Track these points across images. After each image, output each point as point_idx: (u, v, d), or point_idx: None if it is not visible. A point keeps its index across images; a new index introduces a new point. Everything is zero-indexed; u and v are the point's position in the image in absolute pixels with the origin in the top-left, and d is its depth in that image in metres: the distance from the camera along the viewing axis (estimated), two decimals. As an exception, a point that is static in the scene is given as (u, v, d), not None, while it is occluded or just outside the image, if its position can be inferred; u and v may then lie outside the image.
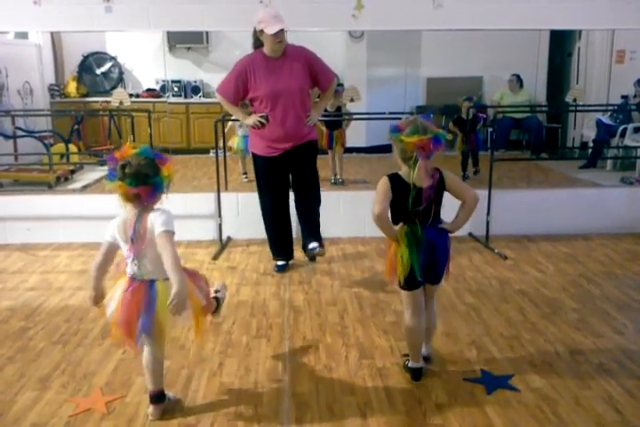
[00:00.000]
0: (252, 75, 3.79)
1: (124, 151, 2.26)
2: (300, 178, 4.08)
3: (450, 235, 2.62)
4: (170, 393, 2.55)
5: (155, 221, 2.25)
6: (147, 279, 2.31)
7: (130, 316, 2.28)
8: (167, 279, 2.26)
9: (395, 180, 2.53)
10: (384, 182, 2.54)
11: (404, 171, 2.53)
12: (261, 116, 3.82)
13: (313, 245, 4.00)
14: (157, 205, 2.33)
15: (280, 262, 4.21)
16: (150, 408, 2.46)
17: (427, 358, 2.84)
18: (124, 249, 2.33)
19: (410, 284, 2.61)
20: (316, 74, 3.88)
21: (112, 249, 2.36)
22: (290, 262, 4.27)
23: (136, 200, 2.26)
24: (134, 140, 4.79)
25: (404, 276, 2.57)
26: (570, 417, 2.44)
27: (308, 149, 4.01)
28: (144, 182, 2.22)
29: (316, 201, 4.14)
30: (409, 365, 2.77)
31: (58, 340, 3.18)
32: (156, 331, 2.33)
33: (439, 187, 2.52)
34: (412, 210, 2.49)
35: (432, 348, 2.92)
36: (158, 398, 2.46)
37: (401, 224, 2.57)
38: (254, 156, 4.06)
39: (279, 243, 4.21)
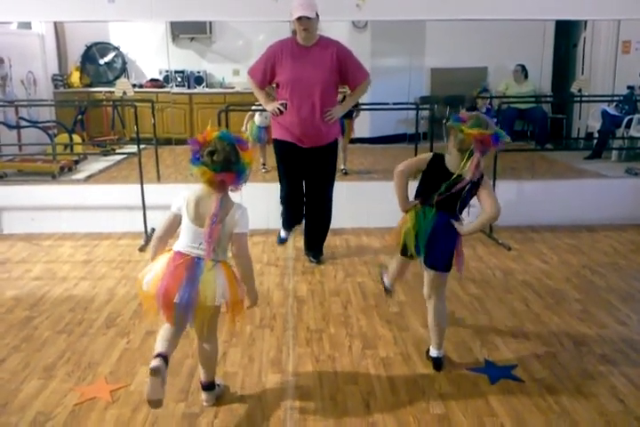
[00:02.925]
0: (280, 59, 3.80)
1: (207, 135, 2.24)
2: (314, 184, 4.10)
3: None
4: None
5: (238, 219, 2.31)
6: (194, 256, 2.31)
7: (171, 288, 2.27)
8: (217, 261, 2.31)
9: (436, 159, 2.59)
10: (426, 155, 2.63)
11: (451, 157, 2.55)
12: (281, 104, 3.84)
13: (311, 259, 4.25)
14: (233, 197, 2.35)
15: (283, 235, 4.55)
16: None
17: (435, 360, 2.76)
18: (188, 226, 2.32)
19: (404, 252, 2.72)
20: (346, 70, 3.84)
21: (176, 221, 2.36)
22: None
23: (220, 186, 2.27)
24: (138, 131, 4.77)
25: (400, 245, 2.70)
26: (573, 407, 2.44)
27: (327, 151, 4.00)
28: (229, 169, 2.23)
29: (327, 219, 4.22)
30: (384, 282, 3.07)
31: (62, 329, 3.20)
32: (194, 310, 2.32)
33: (475, 187, 2.53)
34: (439, 194, 2.52)
35: (443, 351, 2.78)
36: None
37: (417, 201, 2.61)
38: (275, 142, 4.06)
39: (289, 219, 4.43)
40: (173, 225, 2.38)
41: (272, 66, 3.83)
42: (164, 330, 2.43)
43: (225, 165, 2.21)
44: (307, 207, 4.21)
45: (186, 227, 2.34)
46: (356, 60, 3.91)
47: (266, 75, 3.87)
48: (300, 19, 3.64)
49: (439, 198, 2.54)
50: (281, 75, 3.82)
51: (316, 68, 3.79)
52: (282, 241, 4.59)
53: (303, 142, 3.91)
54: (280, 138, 4.00)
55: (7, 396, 2.56)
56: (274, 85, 3.98)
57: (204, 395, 2.50)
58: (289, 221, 4.46)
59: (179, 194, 2.36)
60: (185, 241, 2.34)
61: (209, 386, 2.50)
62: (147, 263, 2.45)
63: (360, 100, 6.64)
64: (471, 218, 2.63)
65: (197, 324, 2.40)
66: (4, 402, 2.51)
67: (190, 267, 2.29)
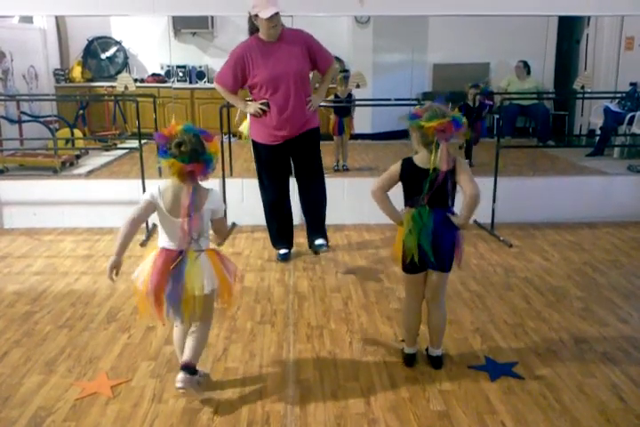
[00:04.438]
0: (249, 61, 3.74)
1: (172, 128, 2.29)
2: (303, 167, 4.04)
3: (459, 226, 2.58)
4: (201, 370, 2.58)
5: (216, 205, 2.39)
6: (177, 250, 2.36)
7: (159, 284, 2.32)
8: (198, 251, 2.36)
9: (407, 165, 2.56)
10: (396, 166, 2.59)
11: (420, 155, 2.53)
12: (262, 104, 3.79)
13: (319, 242, 4.06)
14: (203, 183, 2.39)
15: (282, 251, 4.19)
16: (179, 375, 2.40)
17: (432, 359, 2.74)
18: (167, 216, 2.35)
19: (409, 267, 2.63)
20: (314, 57, 3.82)
21: (150, 209, 2.38)
22: (292, 251, 4.25)
23: (189, 177, 2.30)
24: (139, 126, 4.76)
25: (404, 259, 2.61)
26: (573, 405, 2.44)
27: (311, 137, 3.96)
28: (197, 160, 2.27)
29: (322, 195, 4.11)
30: (403, 349, 2.80)
31: (63, 324, 3.20)
32: (183, 302, 2.36)
33: (453, 173, 2.51)
34: (426, 193, 2.50)
35: (440, 350, 2.74)
36: (187, 367, 2.48)
37: (408, 208, 2.58)
38: (255, 144, 4.00)
39: (280, 232, 4.19)
40: (147, 212, 2.40)
41: (242, 70, 3.76)
42: (175, 336, 2.53)
43: (193, 156, 2.25)
44: (302, 190, 4.09)
45: (163, 220, 2.37)
46: (321, 46, 3.88)
47: (237, 80, 3.80)
48: (271, 17, 3.58)
49: (427, 198, 2.51)
50: (255, 76, 3.75)
51: (289, 61, 3.74)
52: (284, 257, 4.15)
53: (287, 136, 3.85)
54: (261, 142, 3.93)
55: (8, 390, 2.56)
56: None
57: (179, 375, 2.38)
58: (280, 234, 4.17)
59: (153, 184, 2.41)
60: (167, 236, 2.38)
61: (187, 367, 2.40)
62: (120, 252, 2.44)
63: (361, 96, 6.70)
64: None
65: (187, 315, 2.41)
66: (5, 397, 2.51)
67: (175, 261, 2.33)
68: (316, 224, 4.15)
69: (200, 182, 2.37)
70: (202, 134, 2.31)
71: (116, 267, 2.38)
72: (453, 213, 2.58)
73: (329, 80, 4.08)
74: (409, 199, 2.58)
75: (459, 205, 2.57)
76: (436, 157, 2.45)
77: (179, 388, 2.39)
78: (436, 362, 2.74)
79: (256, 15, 3.64)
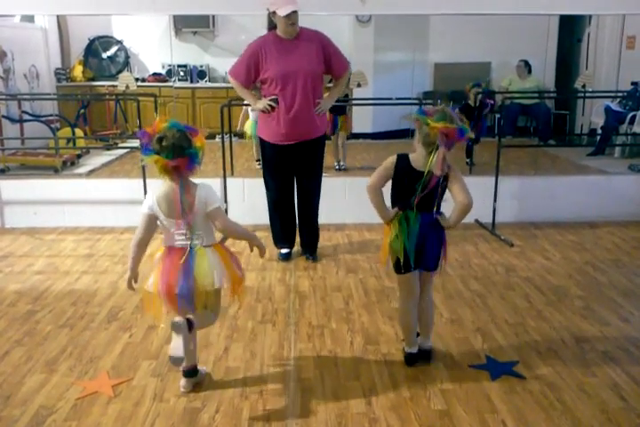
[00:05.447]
0: (263, 56, 3.75)
1: (156, 125, 2.29)
2: (303, 177, 4.04)
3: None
4: (202, 368, 2.64)
5: (206, 197, 2.35)
6: (182, 247, 2.37)
7: (170, 282, 2.34)
8: (206, 246, 2.39)
9: (402, 161, 2.55)
10: (391, 160, 2.58)
11: (416, 155, 2.53)
12: (271, 99, 3.79)
13: (308, 257, 4.21)
14: (193, 178, 2.39)
15: (284, 251, 4.19)
16: (182, 381, 2.54)
17: (425, 353, 2.75)
18: (166, 222, 2.38)
19: (399, 268, 2.63)
20: (329, 59, 3.81)
21: (153, 221, 2.39)
22: (293, 250, 4.25)
23: (175, 172, 2.30)
24: (140, 125, 4.76)
25: (393, 260, 2.62)
26: (574, 404, 2.44)
27: (317, 145, 3.97)
28: (181, 154, 2.26)
29: (316, 198, 4.13)
30: (404, 349, 2.80)
31: (65, 323, 3.20)
32: (195, 297, 2.39)
33: (445, 180, 2.51)
34: (417, 195, 2.50)
35: (431, 341, 2.79)
36: (191, 373, 2.55)
37: (396, 209, 2.58)
38: (262, 142, 4.01)
39: (283, 231, 4.19)
40: (151, 226, 2.41)
41: (255, 64, 3.77)
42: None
43: (176, 151, 2.25)
44: (299, 199, 4.10)
45: (165, 222, 2.38)
46: (338, 50, 3.88)
47: (250, 74, 3.81)
48: (288, 15, 3.59)
49: (418, 200, 2.51)
50: (267, 71, 3.76)
51: (303, 60, 3.75)
52: (285, 256, 4.17)
53: (293, 139, 3.85)
54: (268, 140, 3.93)
55: (10, 389, 2.56)
56: (257, 85, 3.93)
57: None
58: (283, 233, 4.18)
59: (148, 195, 2.43)
60: (170, 236, 2.39)
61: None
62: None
63: (362, 95, 6.70)
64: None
65: (200, 309, 2.46)
66: (6, 396, 2.52)
67: (183, 258, 2.35)
68: (308, 240, 4.21)
69: (190, 178, 2.37)
70: (187, 130, 2.30)
71: (133, 278, 2.47)
72: (441, 214, 2.58)
73: (342, 84, 4.06)
74: (398, 200, 2.58)
75: (447, 212, 2.58)
76: (432, 159, 2.44)
77: (184, 392, 2.51)
78: (427, 355, 2.75)
79: (274, 12, 3.65)
